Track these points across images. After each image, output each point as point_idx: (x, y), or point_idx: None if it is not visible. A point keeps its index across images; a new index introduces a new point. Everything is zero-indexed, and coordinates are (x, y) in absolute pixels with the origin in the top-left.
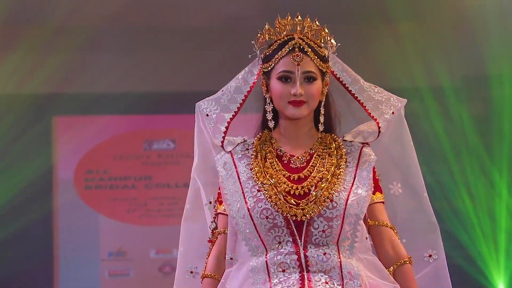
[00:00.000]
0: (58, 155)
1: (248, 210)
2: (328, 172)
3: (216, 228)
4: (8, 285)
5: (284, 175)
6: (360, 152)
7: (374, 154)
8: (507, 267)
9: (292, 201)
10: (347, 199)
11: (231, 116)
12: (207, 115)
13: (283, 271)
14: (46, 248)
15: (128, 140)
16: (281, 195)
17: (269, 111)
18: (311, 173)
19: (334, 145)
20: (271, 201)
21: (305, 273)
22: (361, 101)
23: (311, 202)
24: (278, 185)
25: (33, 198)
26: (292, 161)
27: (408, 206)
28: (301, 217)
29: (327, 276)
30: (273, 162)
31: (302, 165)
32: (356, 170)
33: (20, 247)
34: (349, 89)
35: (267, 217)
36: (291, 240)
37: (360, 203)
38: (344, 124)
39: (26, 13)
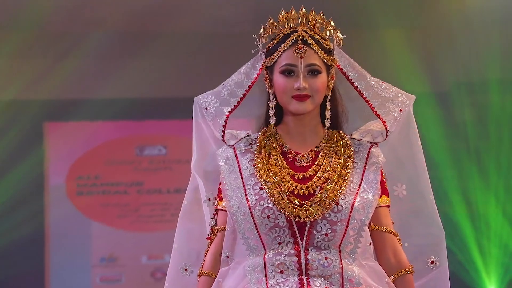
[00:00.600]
0: (50, 160)
1: (249, 208)
2: (335, 172)
3: (215, 225)
4: None
5: (288, 174)
6: (369, 152)
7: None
8: (497, 272)
9: (296, 201)
10: (353, 203)
11: (230, 110)
12: (206, 108)
13: (281, 272)
14: (38, 253)
15: (119, 145)
16: (285, 195)
17: (272, 107)
18: (316, 172)
19: (341, 143)
20: (274, 200)
21: (304, 277)
22: (367, 98)
23: (315, 203)
24: (282, 184)
25: (25, 204)
26: (297, 159)
27: (412, 209)
28: (304, 218)
29: (327, 282)
30: (277, 159)
31: (307, 164)
32: (364, 171)
33: (12, 253)
34: (355, 84)
35: (268, 217)
36: (292, 241)
37: (367, 207)
38: (350, 122)
39: (17, 19)
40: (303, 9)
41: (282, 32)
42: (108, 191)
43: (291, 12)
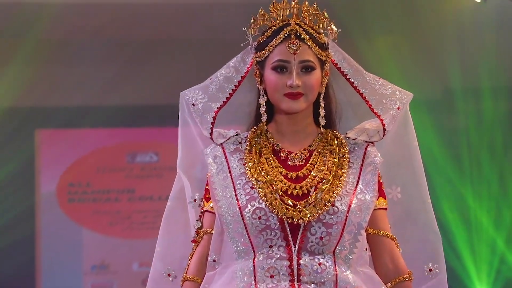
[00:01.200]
0: (41, 167)
1: (239, 208)
2: (330, 172)
3: (201, 227)
4: None
5: (280, 173)
6: (365, 152)
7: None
8: (489, 279)
9: (289, 201)
10: (350, 205)
11: (219, 106)
12: (193, 104)
13: (271, 276)
14: (29, 261)
15: (111, 153)
16: (277, 194)
17: (263, 104)
18: (310, 172)
19: (336, 142)
20: (266, 200)
21: (296, 283)
22: (363, 95)
23: (310, 204)
24: (274, 183)
25: (16, 212)
26: (290, 158)
27: (408, 213)
28: (297, 220)
29: None
30: (269, 158)
31: (300, 163)
32: (360, 172)
33: (2, 260)
34: (351, 80)
35: (259, 218)
36: (284, 245)
37: (364, 210)
38: (344, 121)
39: (9, 26)
40: None
41: (274, 25)
42: (99, 199)
43: (283, 3)
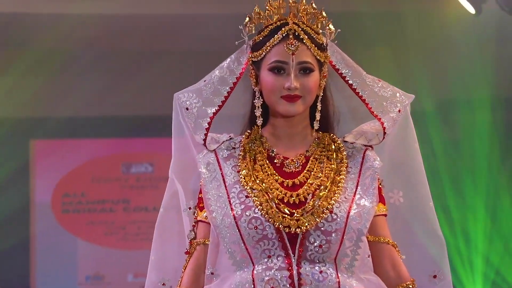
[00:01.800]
0: (36, 178)
1: (234, 219)
2: (327, 178)
3: (195, 238)
4: None
5: (276, 180)
6: (364, 156)
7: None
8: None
9: (286, 210)
10: (349, 211)
11: (214, 111)
12: (187, 108)
13: None
14: (24, 272)
15: (106, 163)
16: (273, 203)
17: (258, 107)
18: (307, 179)
19: (333, 146)
20: (262, 209)
21: None
22: (363, 97)
23: (307, 212)
24: (270, 191)
25: (11, 222)
26: (285, 164)
27: (410, 218)
28: (295, 229)
29: None
30: (263, 165)
31: (297, 170)
32: (359, 177)
33: None
34: (350, 82)
35: (256, 227)
36: (283, 254)
37: (364, 216)
38: (342, 124)
39: (4, 37)
40: None
41: (271, 24)
42: (94, 209)
43: (279, 1)
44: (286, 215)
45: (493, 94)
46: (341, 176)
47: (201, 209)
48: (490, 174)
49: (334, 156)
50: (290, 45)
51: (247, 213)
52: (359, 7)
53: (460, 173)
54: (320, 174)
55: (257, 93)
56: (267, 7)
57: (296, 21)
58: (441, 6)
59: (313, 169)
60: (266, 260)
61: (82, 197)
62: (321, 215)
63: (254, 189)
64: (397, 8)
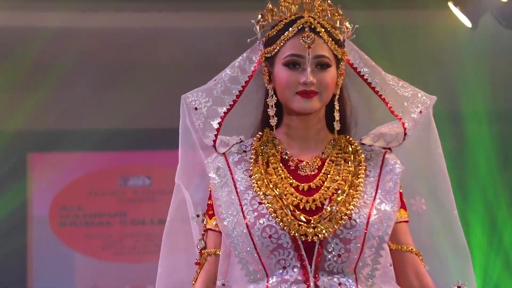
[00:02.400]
0: (33, 191)
1: (247, 227)
2: (345, 182)
3: (205, 247)
4: None
5: (291, 185)
6: (383, 159)
7: None
8: None
9: (302, 217)
10: (369, 217)
11: (225, 110)
12: (196, 108)
13: None
14: (21, 285)
15: (103, 176)
16: (288, 210)
17: (272, 105)
18: (323, 182)
19: (350, 149)
20: (276, 217)
21: None
22: (382, 97)
23: (324, 219)
24: (284, 197)
25: (7, 235)
26: (300, 167)
27: (433, 226)
28: (312, 237)
29: None
30: (277, 168)
31: (312, 173)
32: (378, 181)
33: None
34: (369, 81)
35: (270, 236)
36: (298, 265)
37: (385, 221)
38: (360, 126)
39: (0, 50)
40: None
41: (286, 18)
42: (91, 222)
43: None
44: (302, 223)
45: (490, 107)
46: (360, 180)
47: (211, 216)
48: (487, 187)
49: (352, 158)
50: (306, 38)
51: (260, 221)
52: (357, 20)
53: (457, 186)
54: (337, 177)
55: (270, 91)
56: (280, 3)
57: (312, 15)
58: (438, 20)
59: (329, 171)
60: (281, 271)
61: (79, 210)
62: (339, 221)
63: (267, 195)
64: (394, 21)
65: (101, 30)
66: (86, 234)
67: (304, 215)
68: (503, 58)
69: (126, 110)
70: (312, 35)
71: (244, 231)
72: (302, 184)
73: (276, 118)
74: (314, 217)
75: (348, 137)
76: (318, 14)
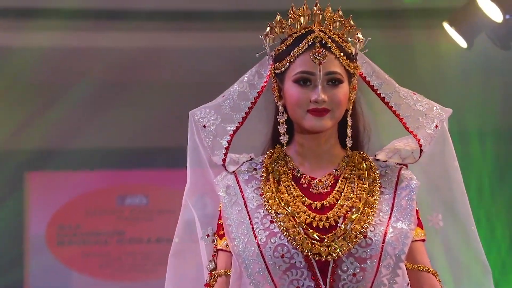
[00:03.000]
0: (30, 210)
1: (259, 247)
2: (360, 199)
3: (215, 268)
4: None
5: (303, 203)
6: (398, 175)
7: None
8: None
9: (315, 235)
10: (385, 235)
11: (235, 128)
12: (204, 126)
13: None
14: None
15: (101, 195)
16: (301, 228)
17: (282, 123)
18: (337, 200)
19: (364, 165)
20: (288, 236)
21: None
22: (396, 112)
23: (339, 237)
24: (297, 215)
25: (4, 254)
26: (313, 185)
27: (451, 243)
28: (326, 256)
29: None
30: (289, 186)
31: (325, 190)
32: (394, 198)
33: None
34: (382, 96)
35: (282, 256)
36: (312, 285)
37: (401, 240)
38: (373, 142)
39: None
40: (318, 3)
41: (295, 32)
42: (89, 241)
43: (303, 9)
44: (315, 241)
45: (485, 127)
46: (375, 197)
47: (221, 236)
48: (481, 205)
49: (366, 175)
50: (316, 54)
51: (272, 240)
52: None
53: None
54: (351, 194)
55: (280, 108)
56: (290, 16)
57: (322, 29)
58: (433, 40)
59: (343, 189)
60: None
61: (77, 229)
62: (354, 240)
63: (279, 214)
64: (389, 41)
65: (99, 50)
66: (84, 253)
67: (318, 234)
68: (498, 78)
69: (123, 129)
70: (323, 50)
71: (256, 250)
72: (315, 202)
73: (287, 136)
74: (328, 235)
75: (362, 153)
76: (329, 25)
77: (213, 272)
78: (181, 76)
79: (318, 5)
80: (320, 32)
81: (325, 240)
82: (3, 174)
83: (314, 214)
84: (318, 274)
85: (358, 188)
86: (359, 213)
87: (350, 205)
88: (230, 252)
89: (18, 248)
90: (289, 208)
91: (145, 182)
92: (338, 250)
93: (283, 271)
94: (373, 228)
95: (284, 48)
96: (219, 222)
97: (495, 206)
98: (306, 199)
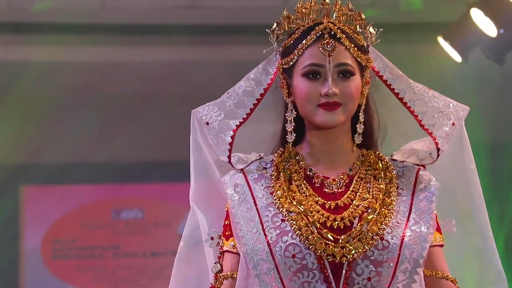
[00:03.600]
0: (26, 224)
1: (269, 246)
2: (376, 200)
3: (221, 271)
4: None
5: (316, 202)
6: (417, 176)
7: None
8: None
9: (329, 235)
10: (403, 238)
11: (238, 123)
12: (207, 123)
13: None
14: None
15: (96, 209)
16: (314, 227)
17: (291, 120)
18: (352, 200)
19: (380, 165)
20: (301, 235)
21: None
22: (411, 109)
23: (354, 238)
24: (310, 214)
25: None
26: (326, 185)
27: (465, 250)
28: (340, 258)
29: None
30: (301, 185)
31: (339, 190)
32: (412, 200)
33: None
34: (396, 91)
35: (294, 256)
36: None
37: (420, 243)
38: (387, 141)
39: None
40: None
41: (303, 25)
42: (84, 255)
43: (311, 3)
44: (329, 242)
45: (480, 141)
46: (392, 198)
47: (227, 238)
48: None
49: (382, 176)
50: (326, 45)
51: (283, 239)
52: None
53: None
54: (367, 195)
55: (289, 105)
56: (297, 10)
57: (332, 21)
58: (427, 55)
59: (358, 189)
60: None
61: (72, 243)
62: (370, 241)
63: (291, 212)
64: (384, 56)
65: (97, 64)
66: (79, 267)
67: (332, 234)
68: (492, 92)
69: (118, 143)
70: (332, 41)
71: (265, 249)
72: (329, 202)
73: (294, 134)
74: (343, 236)
75: (377, 152)
76: (339, 19)
77: (218, 275)
78: (176, 89)
79: (327, 0)
80: (329, 23)
81: (340, 240)
82: None
83: (328, 214)
84: (331, 276)
85: (374, 189)
86: (375, 214)
87: (366, 205)
88: (236, 253)
89: (13, 262)
90: (302, 206)
91: (140, 195)
92: (353, 252)
93: (293, 272)
94: (390, 230)
95: (291, 41)
96: (226, 223)
97: (489, 218)
98: (320, 198)
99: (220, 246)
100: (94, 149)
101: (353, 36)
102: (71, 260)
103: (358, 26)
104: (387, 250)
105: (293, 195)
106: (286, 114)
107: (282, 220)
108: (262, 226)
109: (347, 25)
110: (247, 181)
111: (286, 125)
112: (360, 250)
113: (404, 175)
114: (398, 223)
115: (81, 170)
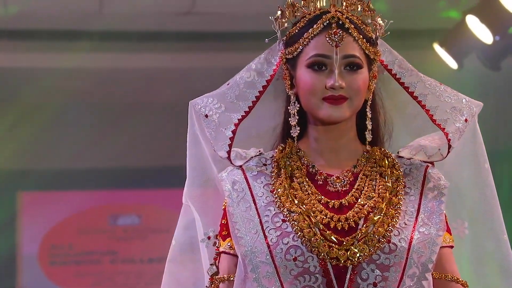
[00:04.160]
0: (23, 230)
1: (269, 247)
2: (382, 199)
3: (217, 273)
4: None
5: (319, 201)
6: (425, 174)
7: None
8: None
9: (333, 237)
10: (411, 240)
11: (240, 117)
12: (206, 116)
13: None
14: None
15: (93, 215)
16: (317, 229)
17: (294, 114)
18: (357, 199)
19: (386, 162)
20: (302, 236)
21: None
22: (422, 103)
23: (359, 241)
24: (312, 215)
25: None
26: (330, 182)
27: (477, 253)
28: (344, 261)
29: None
30: (303, 183)
31: (344, 188)
32: (420, 199)
33: None
34: (406, 85)
35: (295, 259)
36: None
37: (429, 246)
38: (394, 137)
39: None
40: None
41: (309, 14)
42: (81, 261)
43: None
44: (333, 244)
45: None
46: (399, 197)
47: (224, 238)
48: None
49: (389, 173)
50: (333, 36)
51: (284, 241)
52: None
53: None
54: (373, 193)
55: (292, 97)
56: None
57: (339, 10)
58: (423, 61)
59: (363, 187)
60: None
61: (69, 249)
62: (376, 244)
63: (292, 212)
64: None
65: (94, 71)
66: (76, 273)
67: (336, 236)
68: (488, 99)
69: (116, 149)
70: (340, 32)
71: (265, 251)
72: (332, 201)
73: (298, 128)
74: (347, 238)
75: (383, 149)
76: (346, 8)
77: (214, 277)
78: (173, 96)
79: None
80: (337, 12)
81: (344, 243)
82: None
83: (332, 214)
84: (334, 281)
85: (380, 187)
86: (382, 214)
87: (372, 205)
88: (234, 255)
89: (11, 268)
90: (304, 206)
91: (137, 201)
92: (358, 255)
93: (294, 276)
94: (397, 233)
95: (296, 30)
96: (223, 222)
97: None
98: (323, 197)
99: (217, 246)
100: (91, 155)
101: (361, 27)
102: (69, 266)
103: (365, 18)
104: (394, 254)
105: (295, 193)
106: (288, 107)
107: (283, 221)
108: (262, 226)
109: (356, 15)
110: (246, 178)
111: (290, 118)
112: (365, 253)
113: (412, 173)
114: (405, 224)
115: (78, 176)
